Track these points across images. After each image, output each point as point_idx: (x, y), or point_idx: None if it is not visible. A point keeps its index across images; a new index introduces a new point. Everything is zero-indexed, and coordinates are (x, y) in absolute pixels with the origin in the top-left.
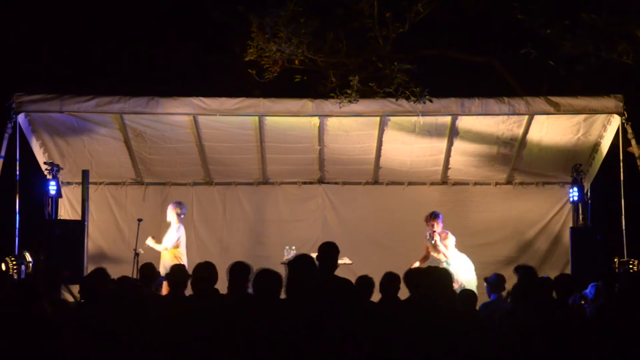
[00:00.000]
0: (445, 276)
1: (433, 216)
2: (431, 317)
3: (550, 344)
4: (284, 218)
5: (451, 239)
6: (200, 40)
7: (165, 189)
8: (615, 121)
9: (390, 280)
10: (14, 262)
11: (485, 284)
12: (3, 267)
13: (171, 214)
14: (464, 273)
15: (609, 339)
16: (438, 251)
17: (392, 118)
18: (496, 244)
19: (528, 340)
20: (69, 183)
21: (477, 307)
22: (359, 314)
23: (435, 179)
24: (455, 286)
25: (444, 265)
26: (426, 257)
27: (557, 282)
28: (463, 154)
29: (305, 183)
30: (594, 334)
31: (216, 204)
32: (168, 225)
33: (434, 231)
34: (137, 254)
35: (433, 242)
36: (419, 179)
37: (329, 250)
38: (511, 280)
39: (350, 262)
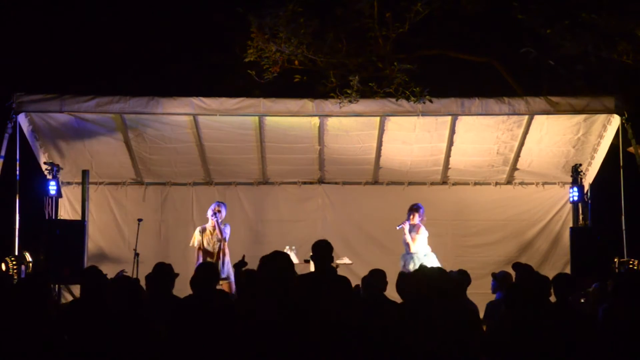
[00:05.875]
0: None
1: (414, 208)
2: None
3: (550, 343)
4: (284, 218)
5: (423, 234)
6: (200, 40)
7: (165, 189)
8: (615, 121)
9: (375, 277)
10: (14, 262)
11: (492, 279)
12: (3, 267)
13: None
14: None
15: (617, 339)
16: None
17: (392, 118)
18: (496, 244)
19: (526, 339)
20: (69, 183)
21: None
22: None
23: (435, 179)
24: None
25: (407, 257)
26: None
27: (555, 282)
28: (463, 154)
29: (305, 183)
30: (601, 335)
31: None
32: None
33: (406, 222)
34: (137, 254)
35: (399, 228)
36: (419, 179)
37: (323, 248)
38: None
39: (350, 262)
